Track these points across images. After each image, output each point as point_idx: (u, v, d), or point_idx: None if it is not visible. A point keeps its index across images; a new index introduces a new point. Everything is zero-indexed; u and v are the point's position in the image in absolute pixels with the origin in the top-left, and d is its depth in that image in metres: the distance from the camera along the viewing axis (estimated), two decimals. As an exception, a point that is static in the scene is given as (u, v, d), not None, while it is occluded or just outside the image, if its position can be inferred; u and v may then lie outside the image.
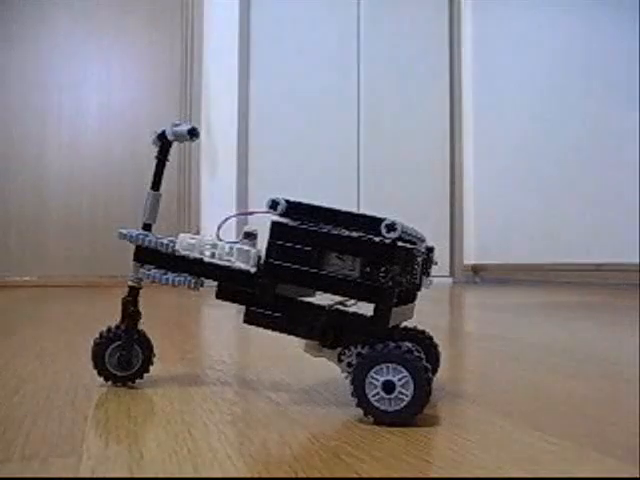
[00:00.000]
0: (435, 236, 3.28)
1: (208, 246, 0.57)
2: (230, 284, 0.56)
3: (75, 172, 2.73)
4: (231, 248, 0.56)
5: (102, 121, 2.78)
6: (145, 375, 0.65)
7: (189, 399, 0.57)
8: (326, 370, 0.72)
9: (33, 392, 0.60)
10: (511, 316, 1.40)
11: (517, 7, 3.26)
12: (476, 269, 3.37)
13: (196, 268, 0.58)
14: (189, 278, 0.58)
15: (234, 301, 0.57)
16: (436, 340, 0.63)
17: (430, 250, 0.56)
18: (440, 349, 0.64)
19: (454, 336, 1.05)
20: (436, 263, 0.58)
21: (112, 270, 2.70)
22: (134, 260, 0.61)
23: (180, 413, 0.52)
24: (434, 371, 0.63)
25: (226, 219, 0.60)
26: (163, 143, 0.63)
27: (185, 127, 0.61)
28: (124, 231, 0.61)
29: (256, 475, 0.37)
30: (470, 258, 3.39)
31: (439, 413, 0.52)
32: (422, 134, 3.30)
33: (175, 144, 2.79)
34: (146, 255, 0.60)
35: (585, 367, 0.74)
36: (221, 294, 0.57)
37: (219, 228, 0.58)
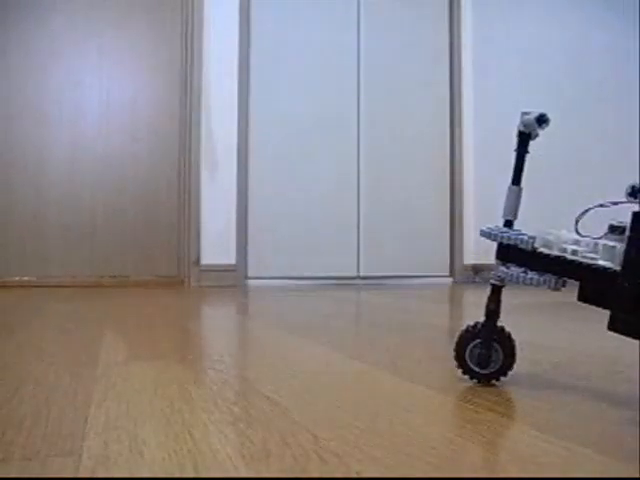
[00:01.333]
0: (435, 236, 3.28)
1: (569, 242, 0.53)
2: (593, 285, 0.50)
3: (75, 172, 2.73)
4: (596, 244, 0.50)
5: (102, 121, 2.78)
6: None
7: (189, 399, 0.57)
8: (326, 371, 0.72)
9: (33, 392, 0.60)
10: (511, 316, 1.40)
11: (517, 7, 3.26)
12: (476, 269, 3.37)
13: (555, 266, 0.53)
14: (550, 278, 0.54)
15: (598, 304, 0.50)
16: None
17: None
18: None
19: (454, 336, 1.05)
20: None
21: (112, 270, 2.70)
22: (496, 258, 0.59)
23: (180, 413, 0.52)
24: None
25: (585, 211, 0.53)
26: (520, 136, 0.59)
27: (533, 115, 0.57)
28: (485, 228, 0.59)
29: (256, 475, 0.37)
30: (470, 258, 3.39)
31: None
32: (422, 134, 3.30)
33: (171, 142, 2.78)
34: (507, 253, 0.57)
35: (585, 367, 0.74)
36: (583, 296, 0.51)
37: (577, 222, 0.52)
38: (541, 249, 0.54)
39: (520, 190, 0.61)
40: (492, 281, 0.60)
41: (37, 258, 2.63)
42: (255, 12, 2.99)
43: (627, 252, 0.46)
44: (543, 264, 0.54)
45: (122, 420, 0.50)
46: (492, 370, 0.61)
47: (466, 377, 0.63)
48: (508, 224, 0.60)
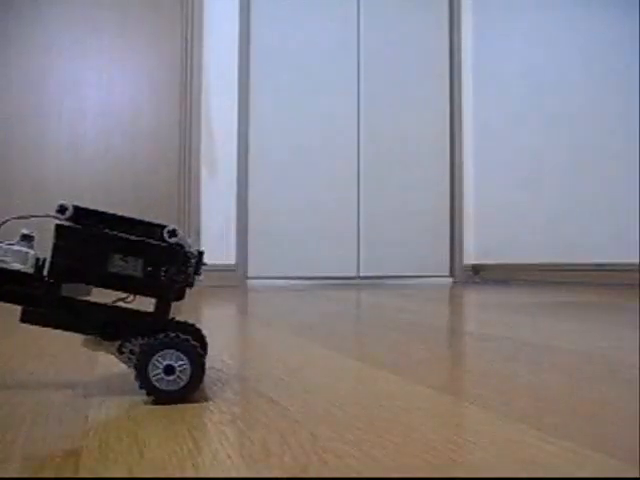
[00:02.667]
0: (435, 236, 3.28)
1: None
2: (6, 285, 0.58)
3: (75, 172, 2.73)
4: (8, 249, 0.57)
5: (102, 121, 2.78)
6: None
7: (189, 399, 0.57)
8: (326, 371, 0.72)
9: (33, 392, 0.60)
10: (512, 316, 1.40)
11: (518, 11, 3.26)
12: (476, 269, 3.37)
13: None
14: None
15: (9, 301, 0.58)
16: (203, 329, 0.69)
17: (201, 253, 0.62)
18: (207, 338, 0.69)
19: (454, 336, 1.05)
20: (205, 264, 0.62)
21: (112, 270, 2.71)
22: None
23: (180, 413, 0.52)
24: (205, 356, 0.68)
25: (4, 221, 0.60)
26: None
27: None
28: None
29: (256, 475, 0.37)
30: (470, 258, 3.39)
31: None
32: (422, 134, 3.30)
33: (171, 142, 2.78)
34: None
35: (585, 367, 0.74)
36: None
37: None
38: None
39: None
40: None
41: (37, 258, 2.63)
42: (255, 13, 2.99)
43: (52, 256, 0.56)
44: None
45: (122, 420, 0.50)
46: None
47: (465, 376, 0.63)
48: None
